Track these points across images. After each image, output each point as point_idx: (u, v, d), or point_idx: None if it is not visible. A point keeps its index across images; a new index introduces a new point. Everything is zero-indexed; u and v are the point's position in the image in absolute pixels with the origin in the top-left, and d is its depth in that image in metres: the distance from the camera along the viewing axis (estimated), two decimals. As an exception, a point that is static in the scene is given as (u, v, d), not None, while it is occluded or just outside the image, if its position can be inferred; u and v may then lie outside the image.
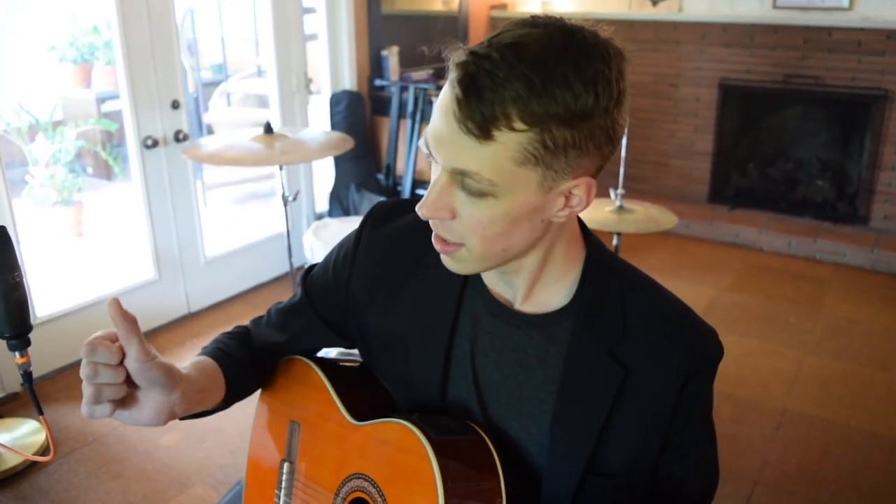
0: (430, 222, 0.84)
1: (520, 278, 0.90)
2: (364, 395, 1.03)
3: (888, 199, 4.17)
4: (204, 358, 0.99)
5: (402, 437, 0.89)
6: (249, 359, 1.05)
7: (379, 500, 0.91)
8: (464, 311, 0.95)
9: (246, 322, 1.15)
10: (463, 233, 0.81)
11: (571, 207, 0.81)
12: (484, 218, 0.79)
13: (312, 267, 1.12)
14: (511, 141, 0.73)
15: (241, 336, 1.09)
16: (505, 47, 0.73)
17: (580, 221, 0.94)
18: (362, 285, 1.01)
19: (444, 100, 0.76)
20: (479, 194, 0.77)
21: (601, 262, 0.93)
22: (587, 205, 0.82)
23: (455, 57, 0.75)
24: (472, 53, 0.74)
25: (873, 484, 2.32)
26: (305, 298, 1.08)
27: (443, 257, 0.87)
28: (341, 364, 1.10)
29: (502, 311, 0.93)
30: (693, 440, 0.95)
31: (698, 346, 0.91)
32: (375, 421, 0.95)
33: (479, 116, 0.72)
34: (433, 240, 0.85)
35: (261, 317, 1.15)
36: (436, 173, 0.81)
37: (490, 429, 0.94)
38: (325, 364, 1.07)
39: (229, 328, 1.11)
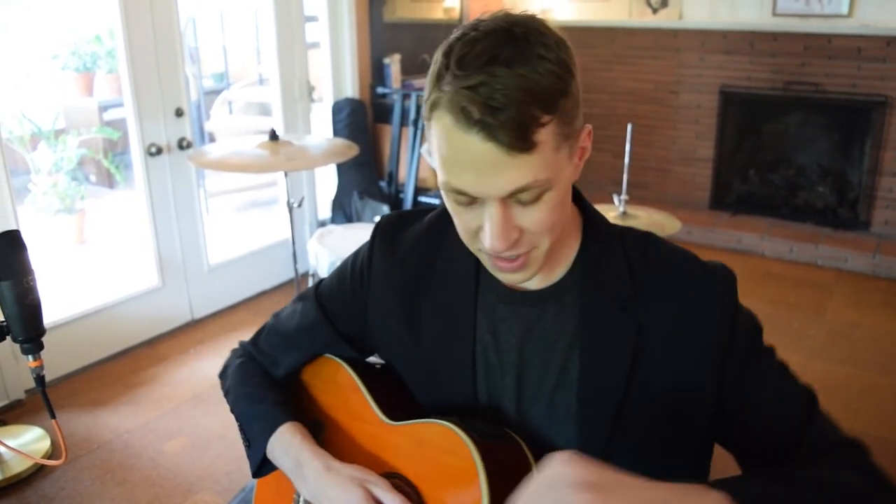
0: (490, 252, 0.84)
1: None
2: (394, 394, 1.03)
3: (889, 204, 4.18)
4: (297, 427, 1.04)
5: (443, 438, 0.88)
6: (288, 395, 1.12)
7: (416, 499, 0.91)
8: (479, 307, 0.96)
9: (246, 334, 1.16)
10: (534, 239, 0.83)
11: (583, 157, 0.85)
12: (548, 214, 0.81)
13: (320, 283, 1.13)
14: (547, 135, 0.77)
15: (264, 375, 1.13)
16: (487, 64, 0.74)
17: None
18: (381, 302, 1.03)
19: (466, 144, 0.76)
20: (537, 198, 0.80)
21: (599, 223, 0.95)
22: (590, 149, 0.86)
23: (452, 100, 0.75)
24: (468, 88, 0.74)
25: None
26: (322, 315, 1.08)
27: (507, 276, 0.87)
28: (368, 363, 1.11)
29: (513, 296, 0.94)
30: (759, 371, 0.91)
31: (710, 281, 0.93)
32: (413, 421, 0.94)
33: (516, 132, 0.74)
34: (495, 264, 0.86)
35: (256, 340, 1.17)
36: (472, 213, 0.81)
37: (523, 411, 0.94)
38: (356, 363, 1.08)
39: (232, 336, 1.13)
